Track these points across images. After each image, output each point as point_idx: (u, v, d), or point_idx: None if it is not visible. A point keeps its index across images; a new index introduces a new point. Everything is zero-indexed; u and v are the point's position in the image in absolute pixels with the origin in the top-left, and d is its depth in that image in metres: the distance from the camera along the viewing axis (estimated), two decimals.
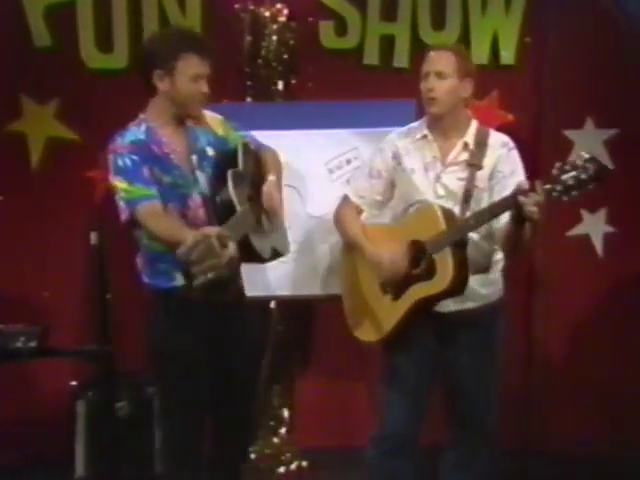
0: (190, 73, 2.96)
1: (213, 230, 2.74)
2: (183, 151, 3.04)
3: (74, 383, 4.38)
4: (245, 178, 3.04)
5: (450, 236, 3.02)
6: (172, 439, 3.14)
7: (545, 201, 2.81)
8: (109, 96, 4.58)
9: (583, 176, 2.75)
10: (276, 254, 3.11)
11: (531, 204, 2.80)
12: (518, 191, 2.85)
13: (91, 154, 4.70)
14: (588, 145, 4.52)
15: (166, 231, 2.88)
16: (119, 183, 2.97)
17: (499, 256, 3.24)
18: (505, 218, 2.99)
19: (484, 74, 4.28)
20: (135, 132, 3.01)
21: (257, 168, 3.13)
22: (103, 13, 4.62)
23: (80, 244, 4.32)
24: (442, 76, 3.12)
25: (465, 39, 4.67)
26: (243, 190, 3.00)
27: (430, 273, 3.04)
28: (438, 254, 3.02)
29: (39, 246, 4.64)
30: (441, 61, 3.15)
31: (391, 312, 3.14)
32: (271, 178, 3.09)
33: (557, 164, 2.79)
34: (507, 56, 4.73)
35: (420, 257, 3.08)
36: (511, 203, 2.88)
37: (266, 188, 3.06)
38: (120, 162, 2.96)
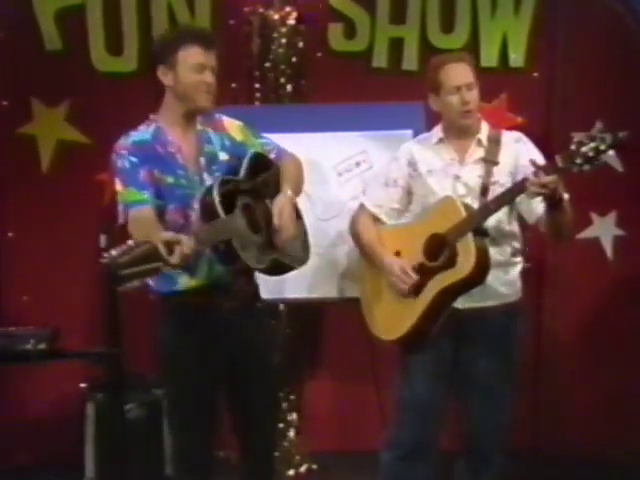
0: (191, 63, 2.92)
1: (163, 236, 2.64)
2: (191, 152, 3.00)
3: (84, 385, 4.38)
4: (242, 186, 2.97)
5: (472, 221, 3.03)
6: (178, 441, 3.14)
7: (556, 178, 2.81)
8: (119, 99, 4.59)
9: (602, 147, 2.77)
10: (279, 265, 3.01)
11: (537, 184, 2.83)
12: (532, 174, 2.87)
13: (101, 157, 4.70)
14: None
15: (140, 236, 2.69)
16: (117, 185, 2.96)
17: (518, 258, 3.25)
18: (541, 206, 3.00)
19: (493, 77, 4.29)
20: (142, 133, 2.99)
21: (272, 178, 3.06)
22: (113, 16, 4.64)
23: (90, 246, 4.32)
24: (471, 87, 3.17)
25: (474, 42, 4.69)
26: (240, 198, 2.92)
27: (452, 262, 3.04)
28: (460, 241, 3.02)
29: (49, 249, 4.66)
30: (468, 73, 3.18)
31: (413, 308, 3.12)
32: (287, 193, 3.01)
33: (574, 138, 2.80)
34: (516, 59, 4.74)
35: (440, 249, 3.07)
36: (524, 185, 2.91)
37: (277, 206, 2.96)
38: (119, 163, 2.95)
